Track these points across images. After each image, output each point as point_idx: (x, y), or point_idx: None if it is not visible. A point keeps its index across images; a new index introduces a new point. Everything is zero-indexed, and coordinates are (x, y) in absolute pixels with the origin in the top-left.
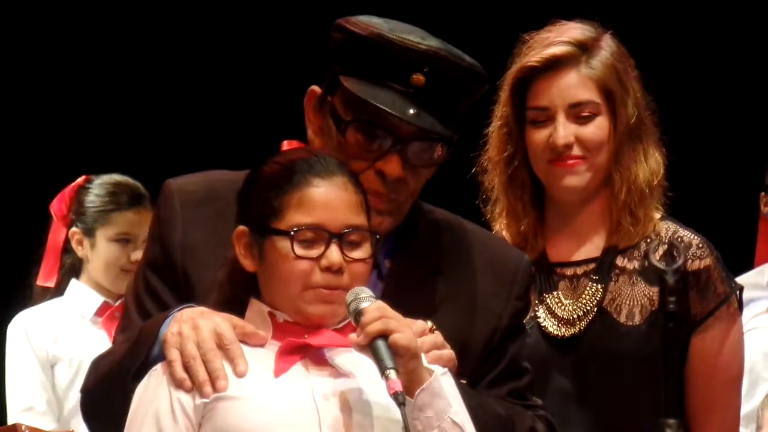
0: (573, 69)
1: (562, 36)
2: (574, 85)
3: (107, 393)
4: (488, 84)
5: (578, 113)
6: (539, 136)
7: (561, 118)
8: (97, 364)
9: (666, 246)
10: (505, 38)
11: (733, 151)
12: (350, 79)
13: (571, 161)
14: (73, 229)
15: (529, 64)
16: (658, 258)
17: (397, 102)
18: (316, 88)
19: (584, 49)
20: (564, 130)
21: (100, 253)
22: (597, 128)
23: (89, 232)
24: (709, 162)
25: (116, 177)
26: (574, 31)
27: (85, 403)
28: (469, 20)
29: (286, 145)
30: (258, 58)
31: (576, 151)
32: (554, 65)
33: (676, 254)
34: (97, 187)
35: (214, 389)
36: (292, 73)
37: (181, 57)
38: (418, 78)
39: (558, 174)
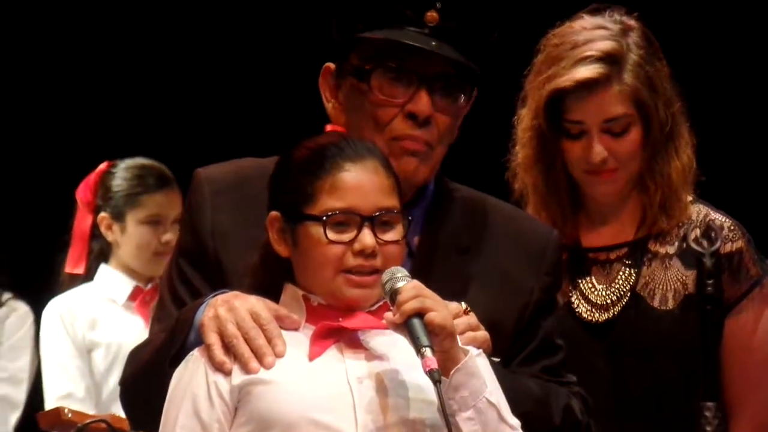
0: (606, 87)
1: (591, 48)
2: (608, 102)
3: (145, 382)
4: (501, 19)
5: (612, 127)
6: (574, 148)
7: (595, 134)
8: (135, 355)
9: (699, 229)
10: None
11: (763, 132)
12: (368, 33)
13: (606, 174)
14: (102, 214)
15: (561, 86)
16: (694, 242)
17: (418, 38)
18: (330, 64)
19: (615, 63)
20: (598, 147)
21: (131, 236)
22: (631, 141)
23: (118, 216)
24: (738, 143)
25: (140, 160)
26: (602, 40)
27: (125, 393)
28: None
29: (329, 129)
30: (287, 42)
31: (611, 164)
32: (586, 86)
33: (714, 237)
34: (123, 171)
35: (262, 365)
36: (324, 58)
37: (204, 43)
38: (432, 15)
39: (594, 183)
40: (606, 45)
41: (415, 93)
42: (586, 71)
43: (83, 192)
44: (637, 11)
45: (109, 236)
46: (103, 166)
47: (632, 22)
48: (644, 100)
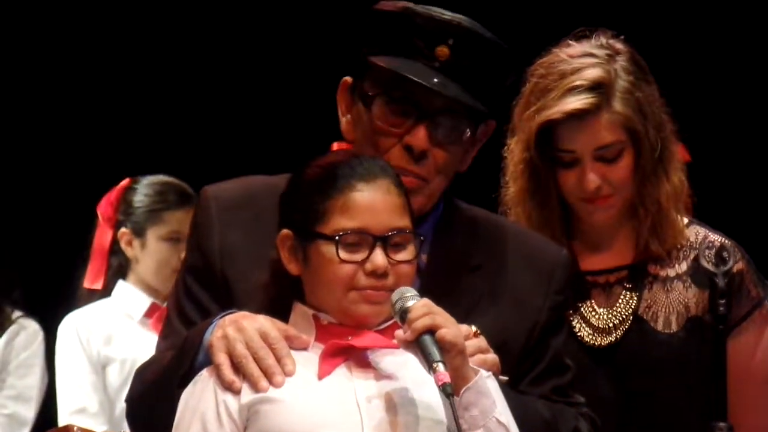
0: (596, 116)
1: (579, 77)
2: (598, 130)
3: (153, 401)
4: (515, 63)
5: (604, 154)
6: (568, 176)
7: (588, 162)
8: (142, 372)
9: (709, 250)
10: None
11: (760, 151)
12: (378, 57)
13: (601, 200)
14: (122, 229)
15: (551, 117)
16: (689, 263)
17: (423, 72)
18: (348, 78)
19: (603, 91)
20: (592, 175)
21: (151, 252)
22: (623, 166)
23: (139, 232)
24: (738, 163)
25: (162, 177)
26: (590, 68)
27: (131, 411)
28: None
29: (336, 146)
30: (302, 59)
31: (605, 190)
32: (577, 116)
33: (726, 257)
34: (145, 187)
35: (271, 384)
36: (339, 73)
37: (224, 61)
38: (443, 50)
39: (590, 210)
40: (594, 73)
41: (413, 126)
42: (576, 102)
43: (104, 207)
44: (624, 32)
45: (129, 252)
46: (124, 182)
47: (619, 46)
48: (634, 126)
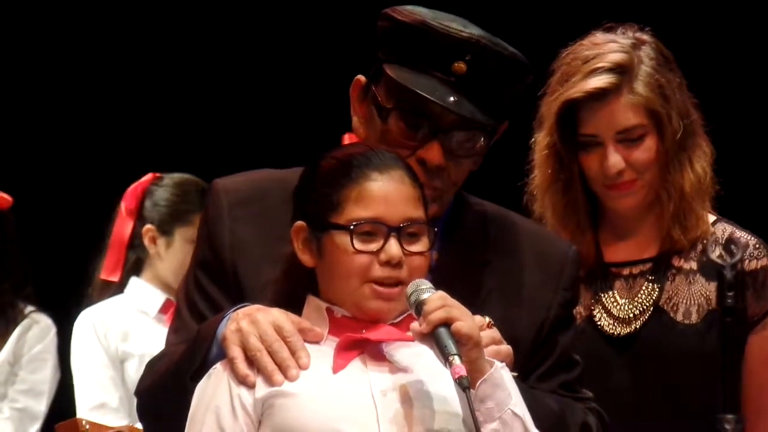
0: (617, 97)
1: (602, 60)
2: (620, 112)
3: (164, 394)
4: (531, 74)
5: (626, 137)
6: (591, 161)
7: (610, 146)
8: (153, 365)
9: (720, 244)
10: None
11: None
12: (393, 67)
13: (625, 185)
14: (148, 225)
15: (572, 96)
16: (715, 256)
17: (438, 89)
18: (361, 77)
19: (625, 73)
20: (614, 158)
21: (176, 252)
22: (646, 149)
23: (166, 231)
24: (760, 158)
25: (188, 177)
26: (613, 52)
27: (142, 404)
28: (511, 16)
29: (347, 138)
30: (315, 53)
31: (628, 175)
32: (598, 96)
33: (734, 249)
34: (174, 187)
35: (286, 378)
36: (348, 68)
37: (237, 56)
38: (460, 66)
39: (614, 196)
40: (616, 57)
41: (427, 140)
42: (596, 81)
43: (129, 199)
44: (651, 28)
45: (152, 249)
46: (149, 176)
47: (645, 37)
48: (656, 109)
